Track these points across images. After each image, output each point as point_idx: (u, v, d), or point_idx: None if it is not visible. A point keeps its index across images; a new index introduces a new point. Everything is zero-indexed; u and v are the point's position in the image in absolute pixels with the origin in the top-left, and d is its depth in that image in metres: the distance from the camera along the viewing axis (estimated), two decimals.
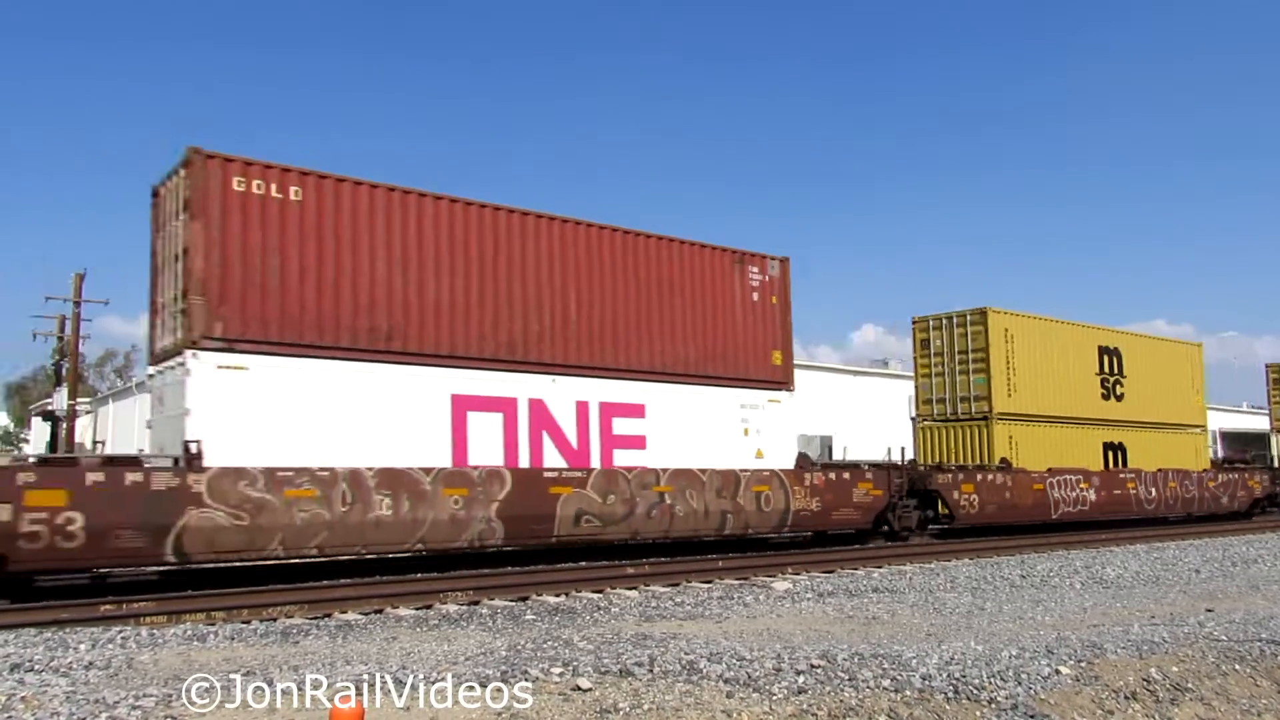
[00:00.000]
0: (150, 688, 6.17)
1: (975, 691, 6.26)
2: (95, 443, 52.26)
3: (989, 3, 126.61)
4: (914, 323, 24.16)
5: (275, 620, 10.35)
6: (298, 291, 12.93)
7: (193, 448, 11.85)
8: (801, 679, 6.36)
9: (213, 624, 9.98)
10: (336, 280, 13.25)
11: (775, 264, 18.25)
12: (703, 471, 16.47)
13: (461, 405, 14.14)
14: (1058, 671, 6.77)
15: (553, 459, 15.02)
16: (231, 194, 12.53)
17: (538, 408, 14.90)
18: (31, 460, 11.87)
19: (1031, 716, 5.99)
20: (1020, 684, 6.45)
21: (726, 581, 14.04)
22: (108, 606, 10.31)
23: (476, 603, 11.81)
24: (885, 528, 19.42)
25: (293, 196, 12.98)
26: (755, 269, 17.90)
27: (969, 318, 22.90)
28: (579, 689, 6.04)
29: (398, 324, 13.70)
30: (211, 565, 13.09)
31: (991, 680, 6.49)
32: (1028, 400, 23.04)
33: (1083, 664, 7.01)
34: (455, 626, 9.99)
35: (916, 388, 24.20)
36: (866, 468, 19.45)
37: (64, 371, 38.10)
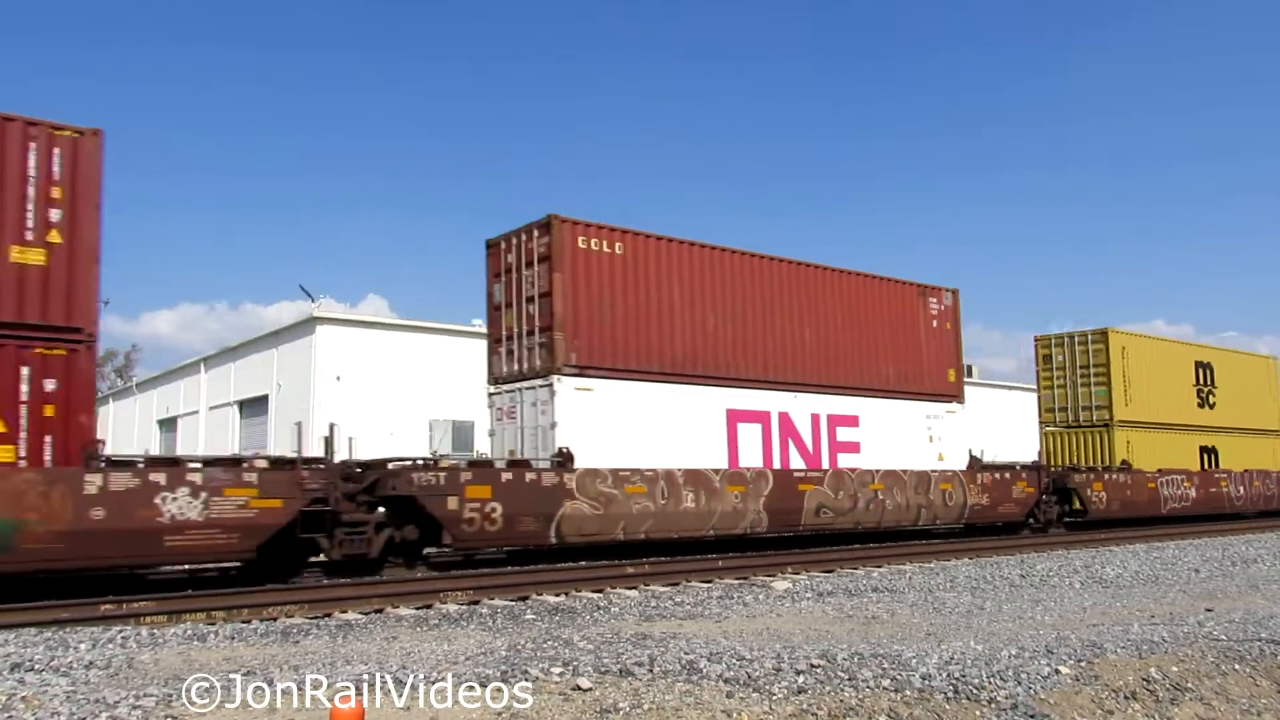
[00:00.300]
0: (150, 687, 6.17)
1: (975, 691, 6.26)
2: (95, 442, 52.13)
3: (989, 3, 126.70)
4: (1036, 340, 27.51)
5: (275, 620, 10.34)
6: (621, 327, 16.35)
7: (566, 452, 15.27)
8: (801, 679, 6.36)
9: (213, 624, 9.97)
10: (646, 318, 16.65)
11: (949, 295, 21.70)
12: (904, 471, 19.68)
13: (733, 417, 17.55)
14: (1057, 671, 6.77)
15: (795, 461, 18.40)
16: (578, 251, 15.93)
17: (784, 419, 18.33)
18: (464, 463, 14.93)
19: (1031, 716, 6.00)
20: (1020, 683, 6.45)
21: (726, 581, 14.05)
22: (108, 606, 10.31)
23: (476, 602, 11.81)
24: (1032, 520, 22.58)
25: (617, 251, 16.46)
26: (934, 300, 21.38)
27: (1090, 337, 26.31)
28: (579, 689, 6.05)
29: (689, 352, 17.11)
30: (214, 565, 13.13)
31: (991, 680, 6.49)
32: (1141, 409, 26.32)
33: (1082, 664, 7.01)
34: (455, 626, 9.99)
35: (1039, 398, 27.54)
36: (1021, 469, 22.62)
37: None
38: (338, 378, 33.01)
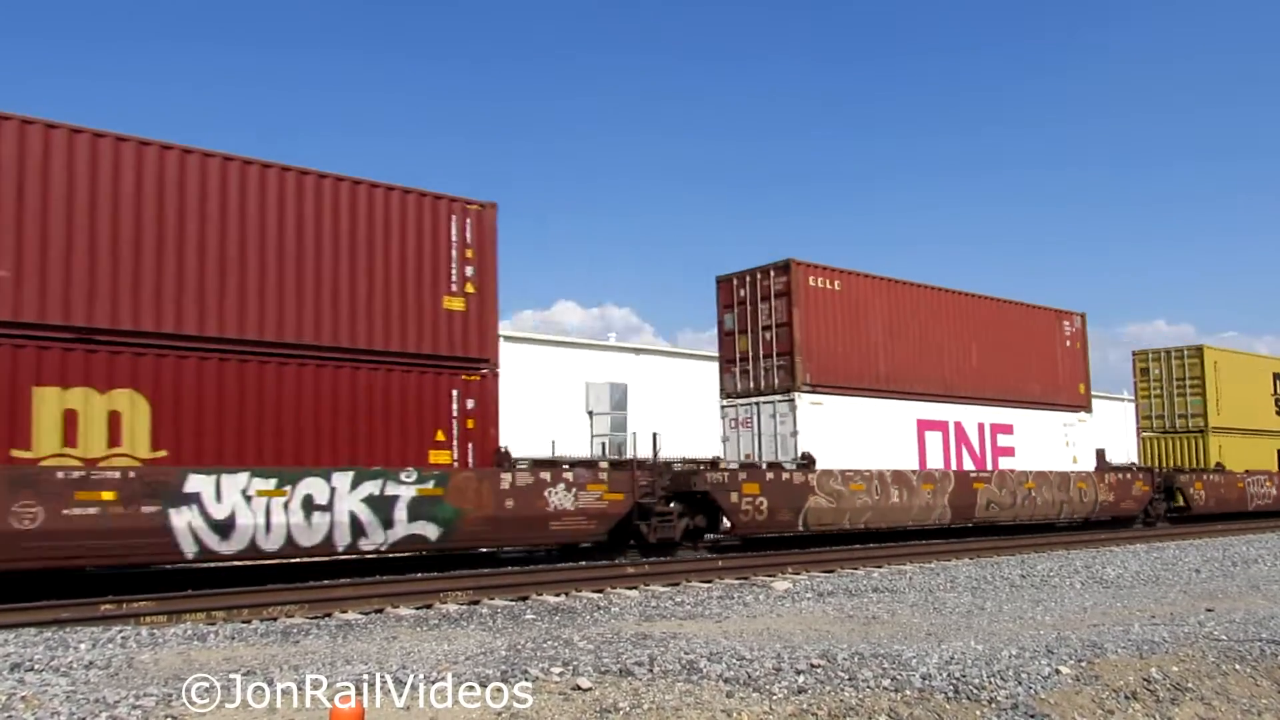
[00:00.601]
0: (150, 687, 6.17)
1: (975, 691, 6.25)
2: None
3: (989, 3, 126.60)
4: (1135, 355, 31.05)
5: (275, 620, 10.35)
6: (841, 351, 19.54)
7: (808, 456, 18.57)
8: (801, 678, 6.36)
9: (213, 623, 9.97)
10: (857, 343, 19.87)
11: (1079, 319, 25.12)
12: (1050, 472, 22.98)
13: (921, 426, 20.73)
14: (1058, 671, 6.77)
15: (967, 463, 21.59)
16: (809, 289, 19.12)
17: (958, 427, 21.54)
18: (736, 464, 18.21)
19: (1031, 716, 5.99)
20: (1020, 683, 6.45)
21: (726, 581, 14.05)
22: (108, 606, 10.32)
23: (476, 602, 11.81)
24: (1145, 515, 25.73)
25: (835, 287, 19.61)
26: (1067, 323, 24.74)
27: (1186, 353, 29.63)
28: (579, 688, 6.04)
29: (888, 371, 20.30)
30: (213, 566, 13.17)
31: (991, 680, 6.49)
32: (1230, 416, 29.44)
33: (1083, 664, 7.01)
34: (455, 626, 9.99)
35: (1137, 407, 31.26)
36: (1138, 470, 26.24)
37: None
38: None
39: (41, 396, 11.08)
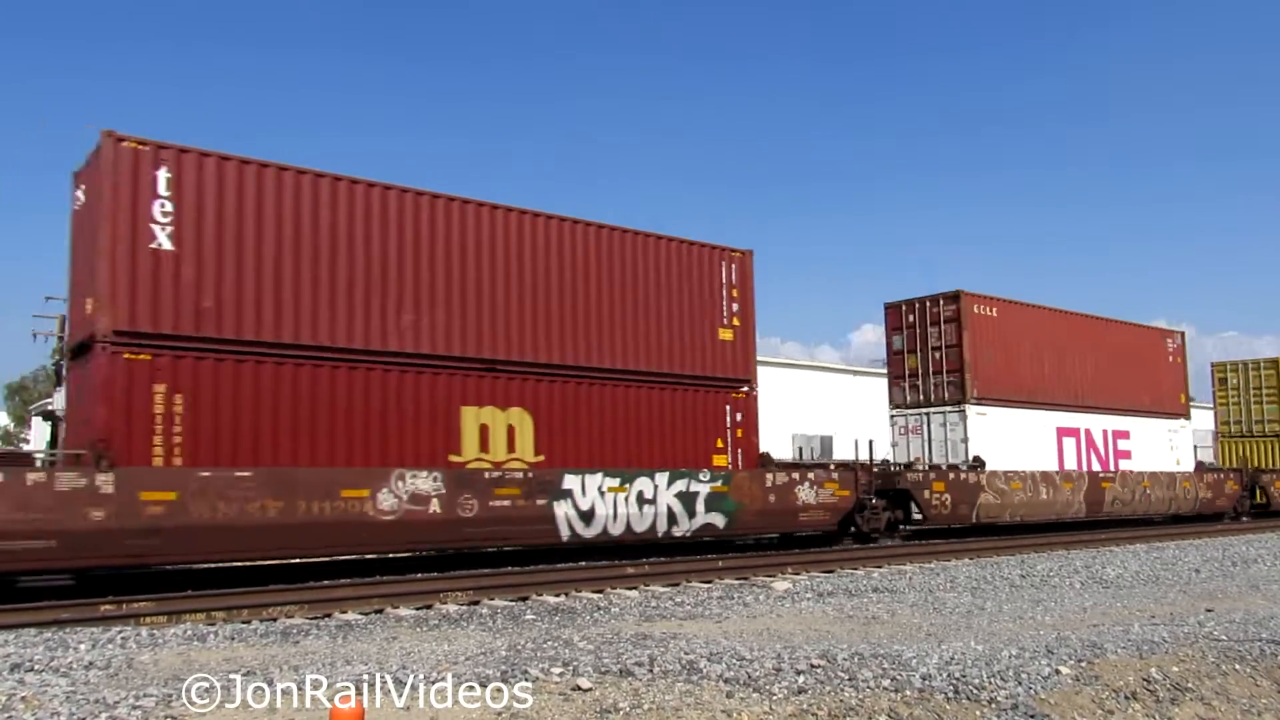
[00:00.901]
0: (150, 688, 6.17)
1: (975, 691, 6.25)
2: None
3: (989, 3, 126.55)
4: (1213, 366, 34.36)
5: (275, 620, 10.35)
6: (999, 368, 22.86)
7: (979, 459, 21.79)
8: (801, 679, 6.36)
9: (213, 624, 9.98)
10: (1009, 360, 23.12)
11: (1180, 336, 28.86)
12: (1160, 472, 26.27)
13: (1060, 433, 23.97)
14: (1058, 671, 6.77)
15: (1094, 465, 24.74)
16: (974, 315, 22.55)
17: (1087, 433, 24.76)
18: (926, 467, 21.45)
19: (1031, 716, 5.99)
20: (1020, 684, 6.45)
21: (726, 581, 14.04)
22: (107, 606, 10.32)
23: (476, 603, 11.81)
24: (1233, 511, 28.77)
25: (993, 314, 23.01)
26: (1170, 340, 28.42)
27: (1262, 365, 33.00)
28: (579, 689, 6.04)
29: (1034, 385, 23.54)
30: (216, 565, 13.17)
31: (991, 680, 6.49)
32: None
33: (1083, 664, 7.01)
34: (455, 626, 9.99)
35: (1215, 413, 34.15)
36: (1230, 470, 29.65)
37: (64, 371, 38.08)
38: None
39: (466, 414, 14.45)
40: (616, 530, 15.52)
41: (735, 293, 18.00)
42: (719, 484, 16.79)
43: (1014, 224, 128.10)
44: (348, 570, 14.35)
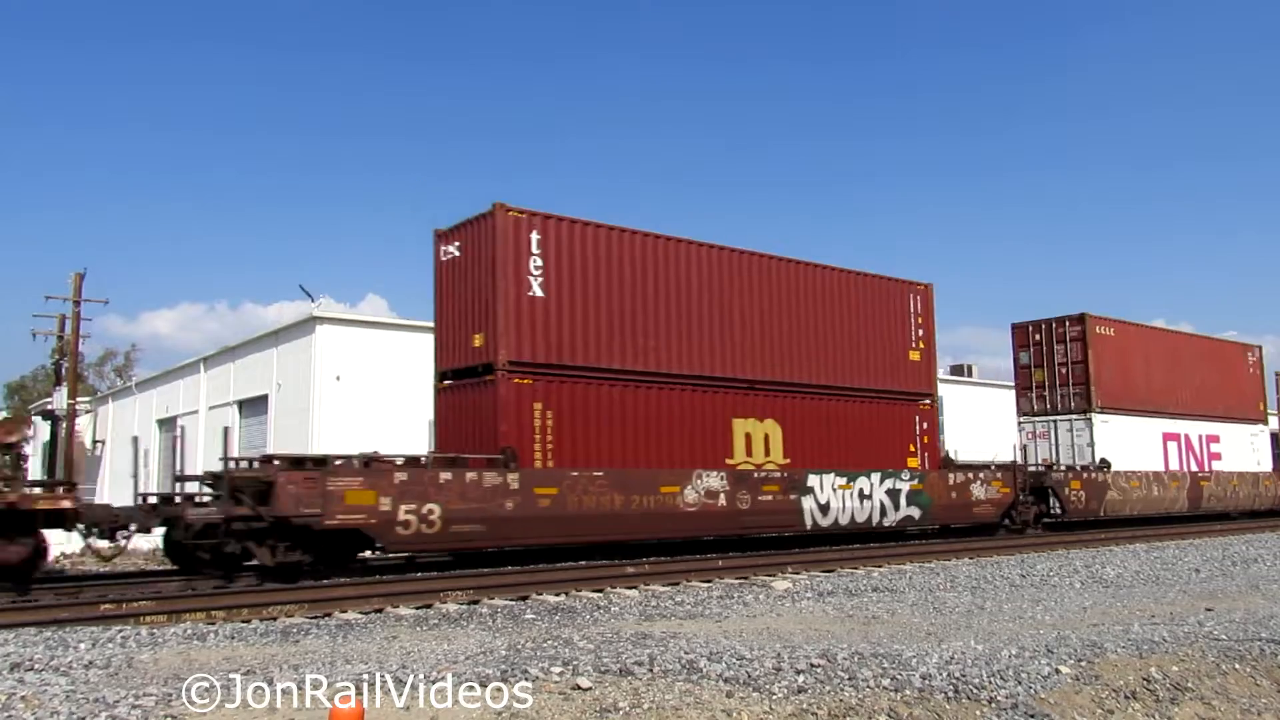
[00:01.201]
0: (150, 687, 6.17)
1: (975, 691, 6.25)
2: (95, 442, 52.12)
3: (989, 3, 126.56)
4: (1277, 375, 36.62)
5: (275, 620, 10.34)
6: (1116, 380, 26.16)
7: (1105, 460, 24.99)
8: (801, 678, 6.36)
9: (213, 623, 9.97)
10: (1125, 374, 26.55)
11: (1258, 350, 32.51)
12: (1246, 472, 30.04)
13: (1165, 438, 27.46)
14: (1058, 671, 6.77)
15: (1192, 465, 28.26)
16: (1097, 335, 25.86)
17: (1186, 438, 28.21)
18: (1065, 468, 24.60)
19: (1031, 716, 5.99)
20: (1020, 683, 6.45)
21: (726, 581, 14.03)
22: (107, 605, 10.33)
23: (476, 602, 11.80)
24: None
25: (1111, 333, 26.43)
26: (1250, 354, 32.15)
27: None
28: (579, 688, 6.04)
29: (1145, 395, 27.04)
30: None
31: (991, 679, 6.49)
32: None
33: (1083, 663, 7.01)
34: (455, 626, 9.98)
35: None
36: None
37: (64, 371, 38.06)
38: (337, 377, 32.95)
39: (736, 424, 17.69)
40: (844, 520, 18.74)
41: (920, 320, 21.34)
42: (916, 482, 20.20)
43: (1014, 224, 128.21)
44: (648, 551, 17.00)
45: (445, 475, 13.92)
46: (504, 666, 6.68)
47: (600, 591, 12.74)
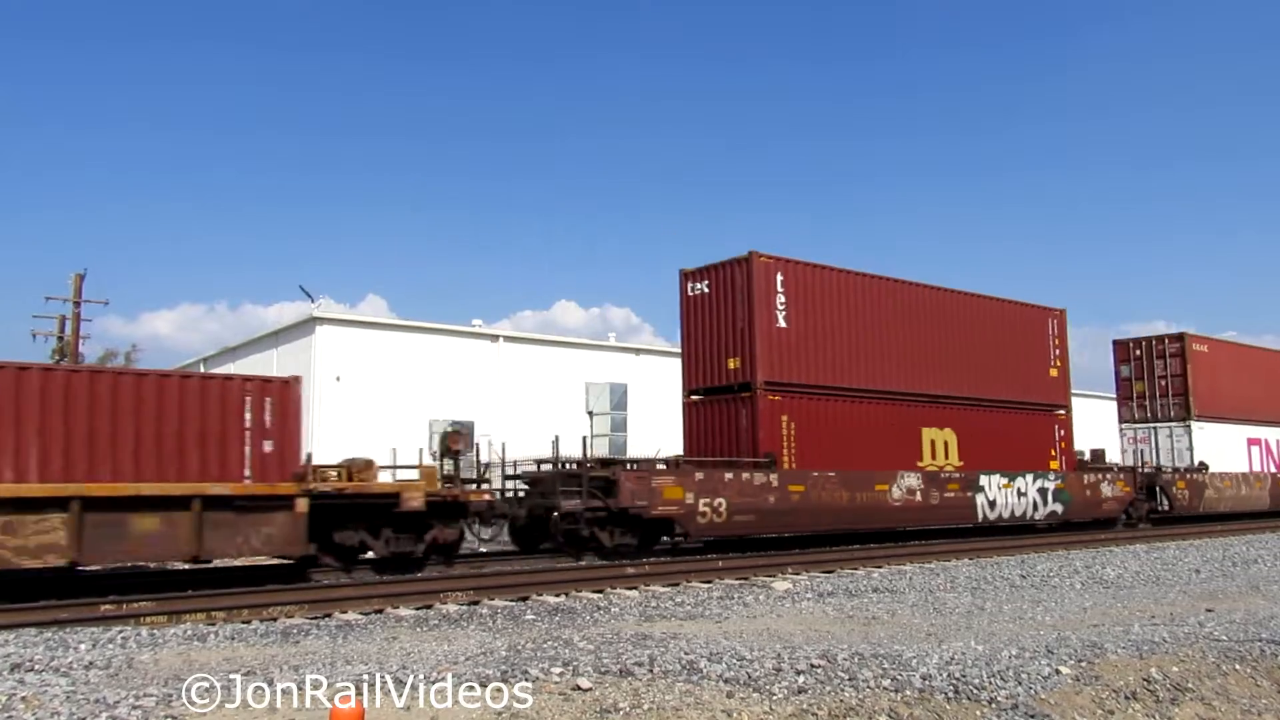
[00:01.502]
0: (150, 687, 6.17)
1: (975, 691, 6.25)
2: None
3: (989, 3, 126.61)
4: None
5: (275, 620, 10.34)
6: (1210, 392, 29.14)
7: (1203, 463, 28.02)
8: (801, 679, 6.36)
9: (213, 624, 9.97)
10: (1217, 386, 29.50)
11: None
12: None
13: (1249, 442, 30.67)
14: (1058, 671, 6.77)
15: (1271, 467, 31.30)
16: (1194, 352, 29.11)
17: (1266, 443, 31.38)
18: (1172, 469, 27.53)
19: (1032, 716, 5.99)
20: (1020, 684, 6.44)
21: (726, 581, 14.02)
22: (108, 606, 10.32)
23: (476, 603, 11.80)
24: None
25: (1205, 350, 29.50)
26: None
27: None
28: (579, 689, 6.04)
29: (1232, 405, 29.98)
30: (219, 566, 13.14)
31: (992, 680, 6.49)
32: None
33: (1083, 664, 7.01)
34: (455, 626, 9.98)
35: None
36: None
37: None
38: (337, 378, 32.99)
39: (924, 432, 20.88)
40: (1006, 514, 21.81)
41: (1056, 341, 24.58)
42: (1059, 482, 23.28)
43: (1014, 224, 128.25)
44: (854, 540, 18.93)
45: (729, 475, 17.09)
46: (504, 667, 6.68)
47: (600, 592, 12.74)
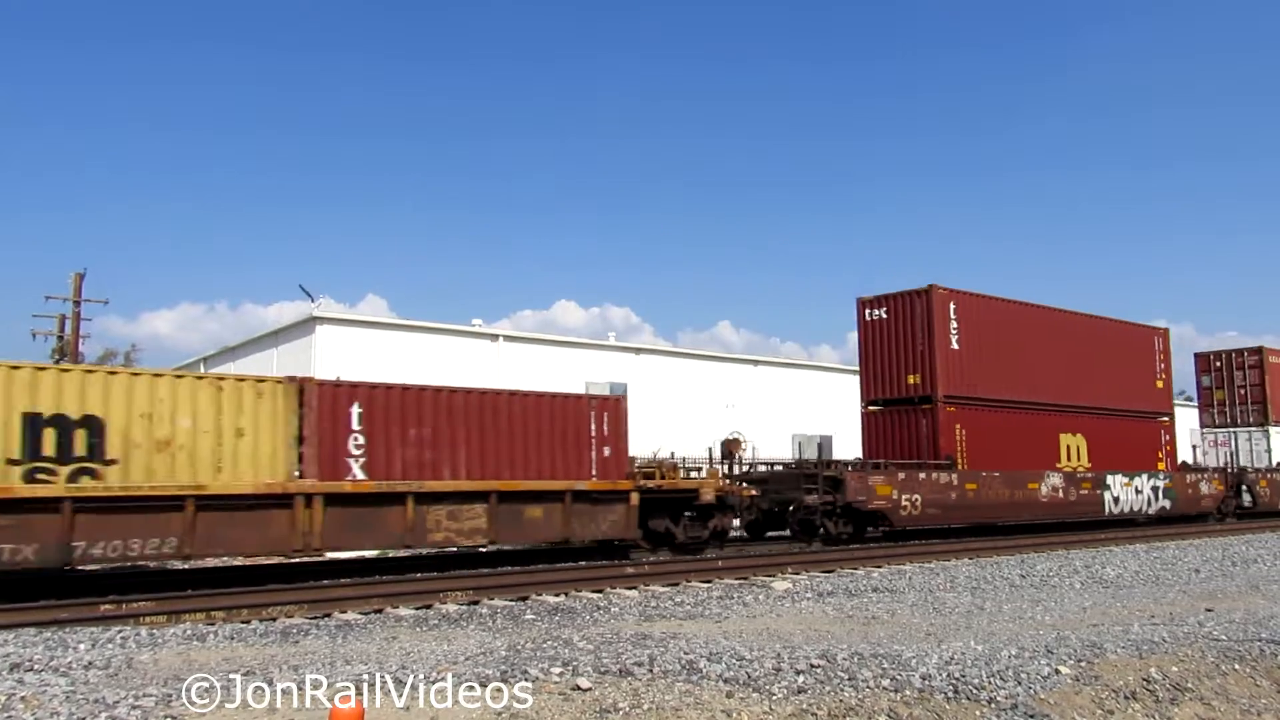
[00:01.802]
0: (150, 687, 6.17)
1: (975, 691, 6.25)
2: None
3: (989, 3, 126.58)
4: None
5: (275, 620, 10.35)
6: None
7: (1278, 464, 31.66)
8: (801, 679, 6.36)
9: (212, 624, 9.97)
10: None
11: None
12: None
13: None
14: (1057, 671, 6.77)
15: None
16: (1272, 364, 32.45)
17: None
18: (1254, 469, 30.65)
19: (1031, 716, 5.99)
20: (1020, 684, 6.44)
21: (726, 581, 14.02)
22: (107, 606, 10.32)
23: (476, 602, 11.80)
24: None
25: (1275, 361, 33.01)
26: None
27: None
28: (579, 689, 6.04)
29: None
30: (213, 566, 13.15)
31: (991, 680, 6.48)
32: None
33: (1083, 664, 7.01)
34: (455, 626, 9.98)
35: None
36: None
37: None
38: (337, 377, 32.96)
39: (1061, 438, 23.99)
40: (1126, 509, 24.90)
41: (1161, 356, 27.73)
42: (1167, 481, 26.39)
43: (1014, 224, 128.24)
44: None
45: (922, 475, 20.19)
46: (504, 667, 6.67)
47: (600, 592, 12.74)
